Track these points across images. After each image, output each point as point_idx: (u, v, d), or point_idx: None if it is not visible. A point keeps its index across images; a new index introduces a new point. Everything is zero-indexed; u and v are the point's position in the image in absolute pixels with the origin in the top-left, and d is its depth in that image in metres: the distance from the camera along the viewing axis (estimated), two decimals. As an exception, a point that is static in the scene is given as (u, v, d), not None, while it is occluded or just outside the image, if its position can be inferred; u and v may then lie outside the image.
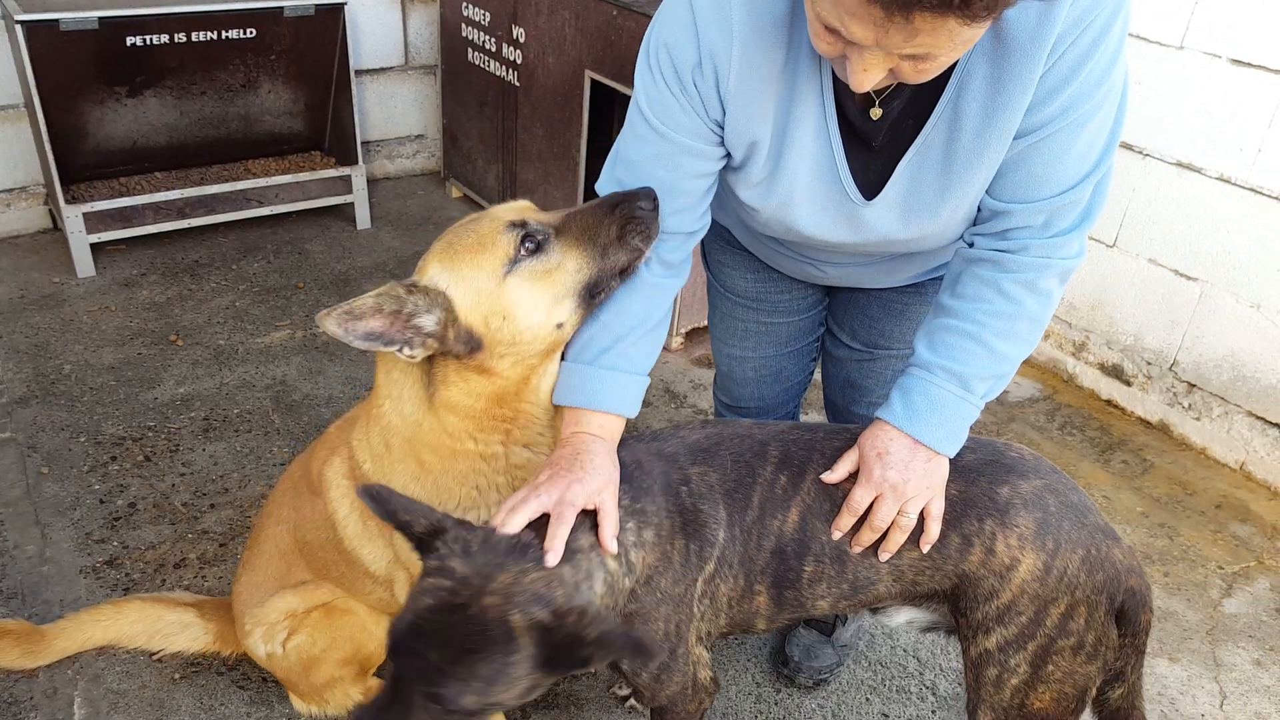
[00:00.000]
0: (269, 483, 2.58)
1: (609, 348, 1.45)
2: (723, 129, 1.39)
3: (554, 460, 1.36)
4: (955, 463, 1.42)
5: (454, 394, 1.43)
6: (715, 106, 1.36)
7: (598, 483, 1.32)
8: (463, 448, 1.47)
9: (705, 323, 3.36)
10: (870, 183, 1.41)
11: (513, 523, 1.25)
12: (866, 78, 1.13)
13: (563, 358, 1.49)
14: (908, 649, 2.26)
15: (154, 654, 2.03)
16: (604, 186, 1.50)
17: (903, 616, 1.54)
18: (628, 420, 1.46)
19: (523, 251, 1.38)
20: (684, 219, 1.47)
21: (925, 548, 1.39)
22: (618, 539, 1.32)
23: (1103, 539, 1.39)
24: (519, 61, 3.59)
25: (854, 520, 1.39)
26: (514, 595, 1.18)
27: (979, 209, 1.41)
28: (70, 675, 2.01)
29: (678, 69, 1.34)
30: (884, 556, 1.40)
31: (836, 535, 1.40)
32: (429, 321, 1.36)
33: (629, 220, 1.40)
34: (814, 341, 2.01)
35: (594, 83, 3.23)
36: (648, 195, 1.40)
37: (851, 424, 1.55)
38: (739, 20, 1.28)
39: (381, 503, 1.25)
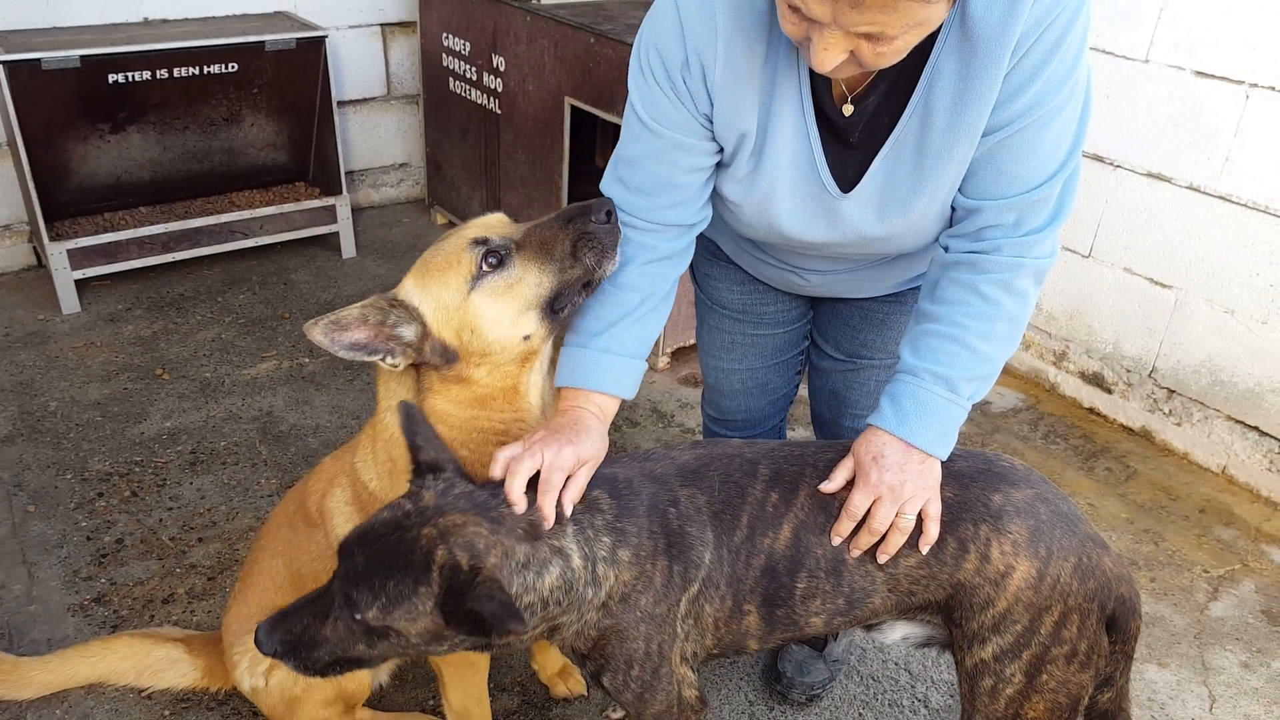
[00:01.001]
0: (257, 515, 2.58)
1: (601, 332, 1.51)
2: (712, 123, 1.44)
3: (550, 425, 1.43)
4: (948, 468, 1.44)
5: (439, 402, 1.49)
6: (704, 101, 1.42)
7: (587, 451, 1.38)
8: (459, 454, 1.50)
9: (692, 342, 3.39)
10: (848, 178, 1.46)
11: (514, 486, 1.31)
12: (827, 57, 1.18)
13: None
14: (899, 662, 2.27)
15: (143, 691, 2.03)
16: (607, 186, 1.55)
17: (897, 633, 1.54)
18: (627, 437, 1.49)
19: (485, 267, 1.43)
20: (681, 212, 1.53)
21: (925, 549, 1.41)
22: (586, 551, 1.34)
23: (1093, 547, 1.41)
24: (500, 89, 3.63)
25: (853, 525, 1.40)
26: (451, 535, 1.24)
27: (953, 209, 1.45)
28: (59, 715, 2.00)
29: (667, 68, 1.41)
30: (882, 559, 1.41)
31: (836, 541, 1.41)
32: (408, 333, 1.44)
33: (581, 235, 1.44)
34: (799, 354, 2.03)
35: (574, 109, 3.27)
36: (603, 207, 1.45)
37: (841, 439, 1.57)
38: (723, 17, 1.34)
39: (411, 421, 1.36)
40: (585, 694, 2.11)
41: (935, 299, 1.45)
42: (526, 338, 1.47)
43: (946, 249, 1.47)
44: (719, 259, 1.89)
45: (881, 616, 1.48)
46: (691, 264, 1.96)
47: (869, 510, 1.40)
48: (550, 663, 2.11)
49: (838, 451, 1.48)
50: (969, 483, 1.43)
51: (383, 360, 1.44)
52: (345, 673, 1.34)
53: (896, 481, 1.38)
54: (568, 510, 1.34)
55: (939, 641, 1.53)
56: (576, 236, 1.44)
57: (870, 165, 1.43)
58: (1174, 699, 2.21)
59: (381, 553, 1.25)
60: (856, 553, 1.41)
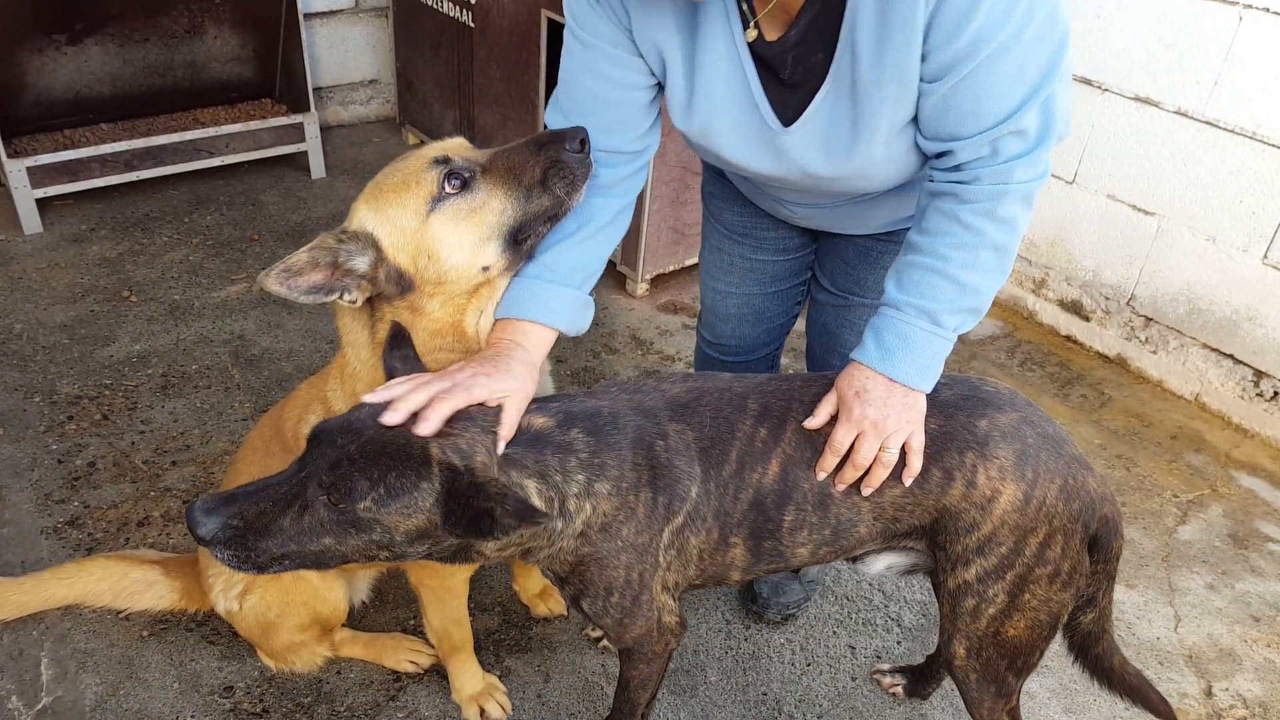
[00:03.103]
0: (231, 439, 2.55)
1: (535, 259, 1.46)
2: (633, 35, 1.42)
3: (473, 358, 1.36)
4: (933, 398, 1.43)
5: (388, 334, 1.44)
6: (623, 12, 1.40)
7: (505, 385, 1.31)
8: None
9: (671, 268, 3.36)
10: (789, 116, 1.43)
11: (411, 399, 1.23)
12: None
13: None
14: (873, 583, 2.30)
15: (120, 612, 2.02)
16: (548, 113, 1.51)
17: (881, 563, 1.55)
18: (579, 341, 1.45)
19: (447, 189, 1.37)
20: (618, 137, 1.48)
21: (908, 481, 1.41)
22: (557, 487, 1.31)
23: (1078, 468, 1.42)
24: (473, 1, 3.50)
25: (837, 460, 1.40)
26: (442, 438, 1.22)
27: (926, 153, 1.41)
28: (36, 636, 1.99)
29: None
30: (866, 493, 1.41)
31: (821, 476, 1.41)
32: (361, 264, 1.38)
33: (553, 164, 1.38)
34: (799, 285, 2.00)
35: (551, 23, 3.16)
36: (576, 136, 1.39)
37: (828, 371, 1.56)
38: None
39: (394, 343, 1.35)
40: (565, 614, 2.13)
41: (921, 229, 1.42)
42: (486, 268, 1.41)
43: (931, 179, 1.43)
44: (723, 178, 1.87)
45: (866, 545, 1.49)
46: (703, 182, 1.96)
47: (852, 445, 1.39)
48: (531, 584, 2.12)
49: (824, 385, 1.47)
50: (954, 411, 1.42)
51: (340, 298, 1.38)
52: (287, 570, 1.25)
53: (879, 416, 1.37)
54: (498, 449, 1.28)
55: (922, 568, 1.55)
56: (548, 164, 1.38)
57: (811, 103, 1.39)
58: (1140, 619, 2.27)
59: (375, 443, 1.20)
60: (841, 487, 1.41)
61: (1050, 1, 1.25)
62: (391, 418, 1.22)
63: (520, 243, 1.42)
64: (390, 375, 1.32)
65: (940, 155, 1.38)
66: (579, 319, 1.48)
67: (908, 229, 1.70)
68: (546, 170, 1.38)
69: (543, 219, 1.41)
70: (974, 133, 1.32)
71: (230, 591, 1.80)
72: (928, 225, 1.41)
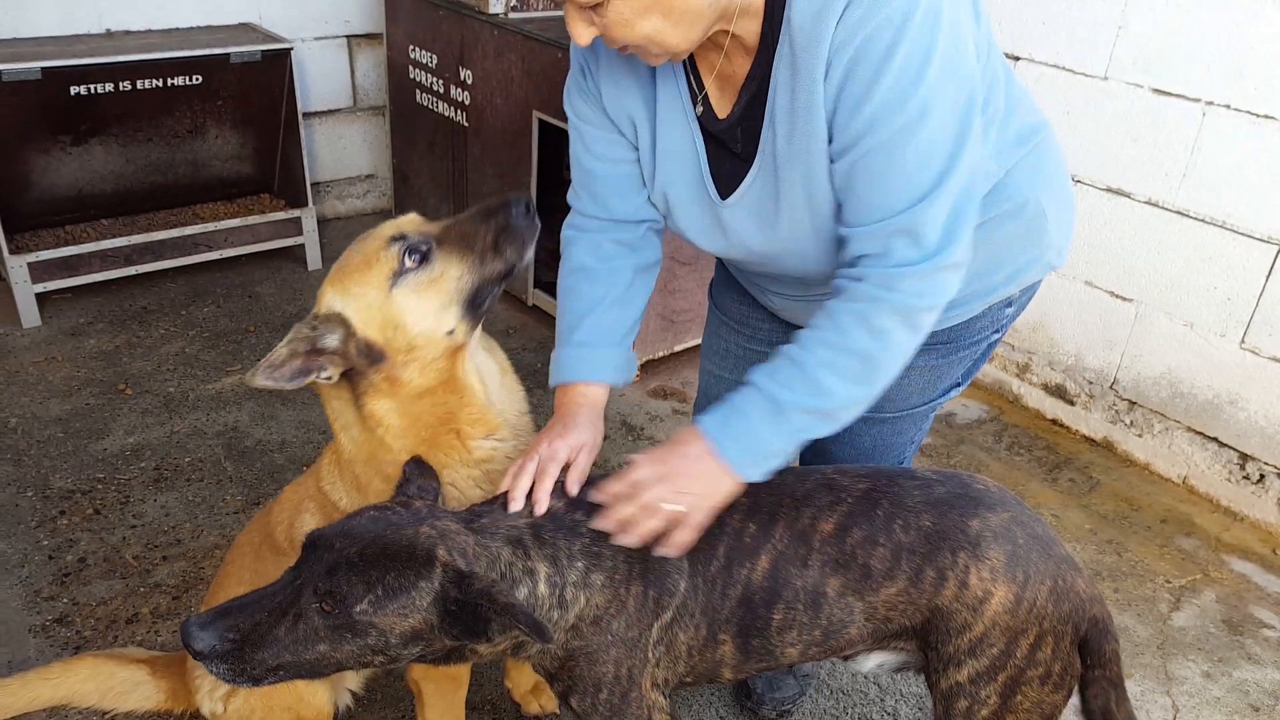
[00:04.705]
0: (223, 532, 2.55)
1: (575, 326, 1.58)
2: (608, 111, 1.52)
3: (546, 427, 1.51)
4: (927, 495, 1.43)
5: (375, 407, 1.50)
6: (596, 91, 1.52)
7: (578, 438, 1.46)
8: (411, 455, 1.51)
9: (661, 354, 3.40)
10: (730, 190, 1.48)
11: (518, 486, 1.38)
12: (576, 32, 1.27)
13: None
14: (868, 677, 2.28)
15: (107, 713, 1.99)
16: (570, 194, 1.65)
17: (872, 661, 1.54)
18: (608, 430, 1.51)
19: (408, 263, 1.46)
20: (627, 205, 1.59)
21: (660, 551, 1.36)
22: (556, 575, 1.34)
23: (1068, 569, 1.42)
24: (467, 103, 3.62)
25: (622, 489, 1.36)
26: (449, 539, 1.26)
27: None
28: (19, 739, 1.96)
29: (577, 59, 1.52)
30: (626, 540, 1.35)
31: (600, 497, 1.38)
32: (332, 341, 1.45)
33: (502, 230, 1.49)
34: None
35: (542, 123, 3.27)
36: (520, 201, 1.51)
37: (822, 466, 1.56)
38: None
39: (417, 470, 1.45)
40: (557, 712, 2.10)
41: (807, 321, 1.40)
42: (450, 333, 1.48)
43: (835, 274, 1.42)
44: (724, 265, 1.91)
45: (857, 646, 1.48)
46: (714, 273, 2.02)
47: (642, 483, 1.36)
48: (523, 680, 2.10)
49: (816, 481, 1.48)
50: (947, 509, 1.42)
51: (317, 377, 1.46)
52: (282, 681, 1.25)
53: (680, 471, 1.35)
54: (573, 490, 1.42)
55: (913, 666, 1.54)
56: (498, 230, 1.49)
57: (745, 176, 1.44)
58: (1139, 709, 2.24)
59: (375, 545, 1.22)
60: (605, 524, 1.36)
61: (950, 105, 1.24)
62: (514, 507, 1.37)
63: (478, 306, 1.51)
64: (404, 487, 1.42)
65: (842, 244, 1.37)
66: (626, 371, 1.61)
67: None
68: (498, 236, 1.49)
69: (496, 281, 1.52)
70: (867, 221, 1.31)
71: (215, 694, 1.78)
72: (812, 319, 1.39)
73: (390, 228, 1.52)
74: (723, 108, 1.43)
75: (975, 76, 1.27)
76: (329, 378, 1.46)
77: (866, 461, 1.82)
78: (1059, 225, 1.58)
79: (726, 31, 1.32)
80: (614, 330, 1.59)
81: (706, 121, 1.44)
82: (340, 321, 1.45)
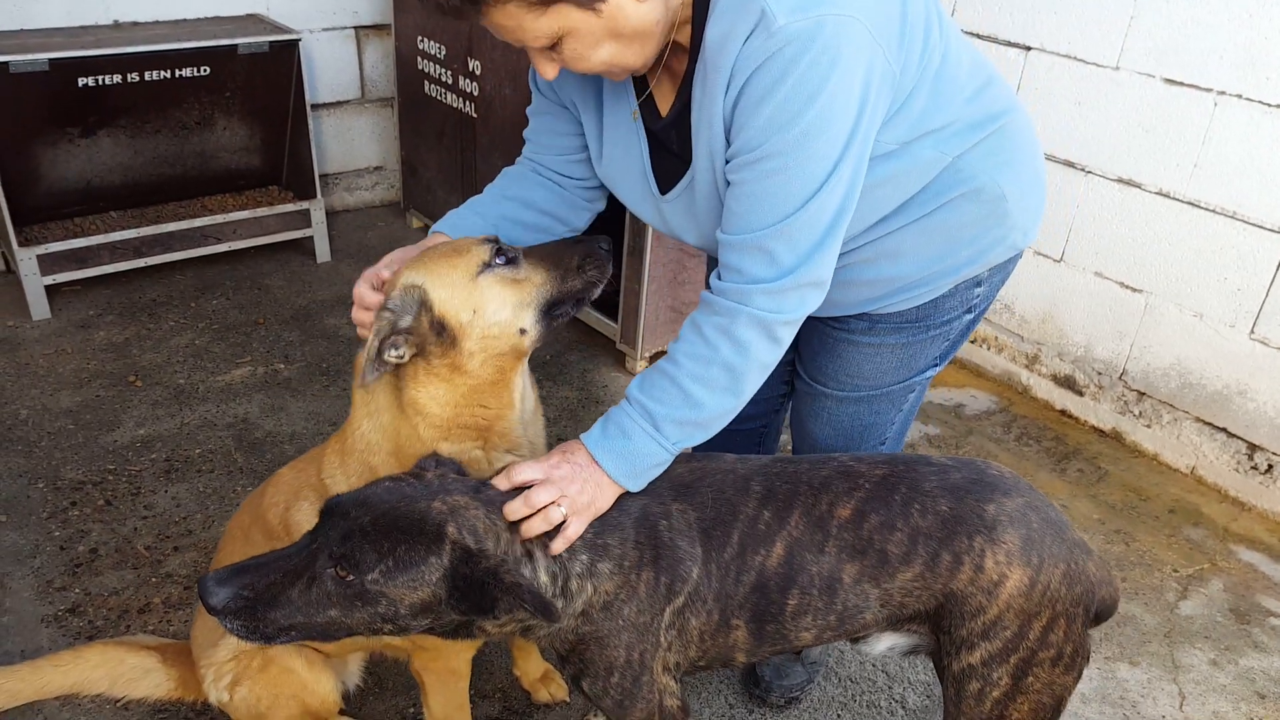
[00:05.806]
0: (233, 522, 2.56)
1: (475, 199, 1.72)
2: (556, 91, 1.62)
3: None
4: (944, 480, 1.45)
5: (421, 394, 1.51)
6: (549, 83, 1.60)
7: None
8: (442, 451, 1.52)
9: (668, 345, 3.40)
10: (670, 184, 1.55)
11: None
12: (541, 69, 1.36)
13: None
14: (876, 664, 2.29)
15: (118, 701, 2.00)
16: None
17: (884, 644, 1.56)
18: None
19: (497, 260, 1.51)
20: (559, 162, 1.70)
21: (554, 551, 1.39)
22: (563, 565, 1.38)
23: (1079, 553, 1.44)
24: (476, 94, 3.62)
25: (511, 487, 1.40)
26: (459, 515, 1.28)
27: None
28: (33, 727, 1.98)
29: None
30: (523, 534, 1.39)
31: (500, 487, 1.41)
32: (407, 319, 1.48)
33: (589, 254, 1.57)
34: (784, 365, 2.03)
35: (550, 113, 3.27)
36: (605, 239, 1.58)
37: (839, 453, 1.57)
38: None
39: (436, 465, 1.41)
40: (567, 699, 2.12)
41: (678, 335, 1.46)
42: (523, 331, 1.52)
43: None
44: None
45: (871, 630, 1.49)
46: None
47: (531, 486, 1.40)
48: (532, 668, 2.11)
49: (832, 469, 1.49)
50: (963, 494, 1.44)
51: (390, 355, 1.48)
52: (294, 641, 1.29)
53: (566, 478, 1.38)
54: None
55: (924, 649, 1.55)
56: (585, 254, 1.57)
57: (684, 175, 1.50)
58: (1145, 697, 2.25)
59: (388, 516, 1.25)
60: (511, 517, 1.39)
61: (829, 139, 1.28)
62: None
63: (553, 317, 1.56)
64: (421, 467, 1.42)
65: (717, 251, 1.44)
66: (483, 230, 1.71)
67: (856, 317, 1.72)
68: (585, 258, 1.56)
69: (572, 299, 1.56)
70: (732, 232, 1.37)
71: (220, 682, 1.79)
72: (681, 331, 1.45)
73: (482, 237, 1.60)
74: (665, 105, 1.49)
75: (867, 112, 1.31)
76: (401, 356, 1.48)
77: (847, 441, 1.85)
78: (1022, 207, 1.59)
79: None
80: (495, 209, 1.68)
81: (649, 120, 1.51)
82: (419, 297, 1.48)
